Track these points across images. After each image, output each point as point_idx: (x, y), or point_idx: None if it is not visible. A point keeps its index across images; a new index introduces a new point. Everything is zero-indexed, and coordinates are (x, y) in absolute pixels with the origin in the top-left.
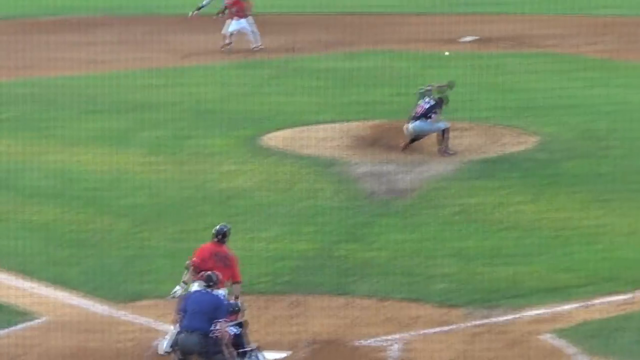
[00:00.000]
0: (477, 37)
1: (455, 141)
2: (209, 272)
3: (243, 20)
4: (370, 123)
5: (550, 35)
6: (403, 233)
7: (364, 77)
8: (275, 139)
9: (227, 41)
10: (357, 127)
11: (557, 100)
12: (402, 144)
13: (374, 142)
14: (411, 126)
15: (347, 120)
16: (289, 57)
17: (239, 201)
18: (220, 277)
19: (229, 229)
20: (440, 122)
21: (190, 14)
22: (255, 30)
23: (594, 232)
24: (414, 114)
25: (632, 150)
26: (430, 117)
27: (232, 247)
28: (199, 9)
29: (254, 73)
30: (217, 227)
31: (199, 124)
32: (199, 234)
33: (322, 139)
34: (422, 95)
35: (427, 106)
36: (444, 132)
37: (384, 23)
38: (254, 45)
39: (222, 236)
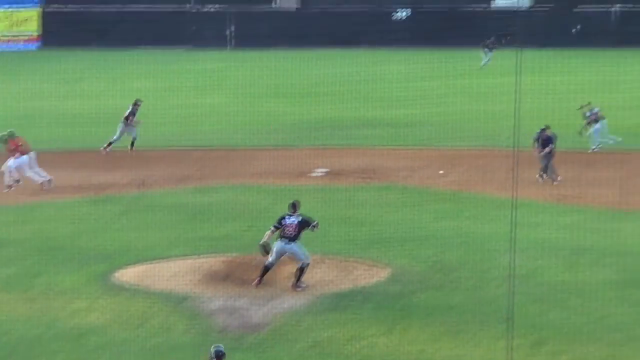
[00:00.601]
0: (327, 170)
1: (307, 275)
2: None
3: (24, 157)
4: (222, 258)
5: (400, 167)
6: None
7: (215, 211)
8: (127, 275)
9: (11, 182)
10: (209, 262)
11: (408, 233)
12: (256, 281)
13: (226, 277)
14: (285, 246)
15: (199, 256)
16: (139, 192)
17: (91, 338)
18: None
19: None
20: (306, 253)
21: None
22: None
23: None
24: (286, 234)
25: (483, 282)
26: (299, 239)
27: None
28: (110, 144)
29: (104, 209)
30: (214, 349)
31: (49, 261)
32: None
33: (174, 274)
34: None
35: (296, 221)
36: (303, 267)
37: (234, 157)
38: (43, 183)
39: (217, 358)
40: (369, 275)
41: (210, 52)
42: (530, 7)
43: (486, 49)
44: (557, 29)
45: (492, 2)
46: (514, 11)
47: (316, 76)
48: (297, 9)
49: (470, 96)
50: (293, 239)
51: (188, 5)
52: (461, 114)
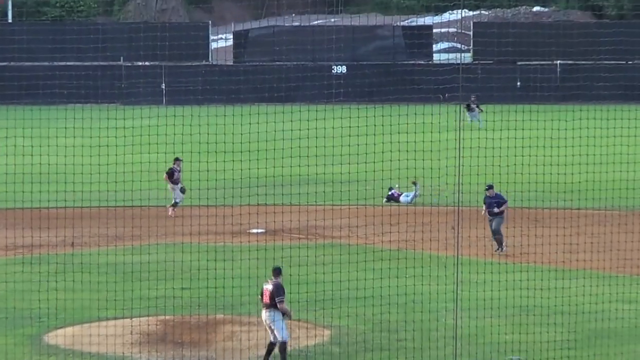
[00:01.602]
0: (265, 230)
1: (243, 335)
2: None
3: None
4: (158, 318)
5: (339, 225)
6: None
7: (150, 271)
8: (59, 337)
9: None
10: (145, 322)
11: (349, 292)
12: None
13: (163, 338)
14: (264, 314)
15: (134, 317)
16: (71, 252)
17: None
18: None
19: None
20: (284, 328)
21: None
22: None
23: None
24: (263, 302)
25: (426, 342)
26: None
27: None
28: (176, 204)
29: (35, 269)
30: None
31: None
32: None
33: (108, 336)
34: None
35: (271, 287)
36: (280, 345)
37: (168, 215)
38: None
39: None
40: (310, 336)
41: (144, 109)
42: (472, 62)
43: (469, 111)
44: (499, 84)
45: (433, 57)
46: (455, 67)
47: (252, 133)
48: (232, 64)
49: (410, 152)
50: (269, 306)
51: (120, 61)
52: (401, 170)
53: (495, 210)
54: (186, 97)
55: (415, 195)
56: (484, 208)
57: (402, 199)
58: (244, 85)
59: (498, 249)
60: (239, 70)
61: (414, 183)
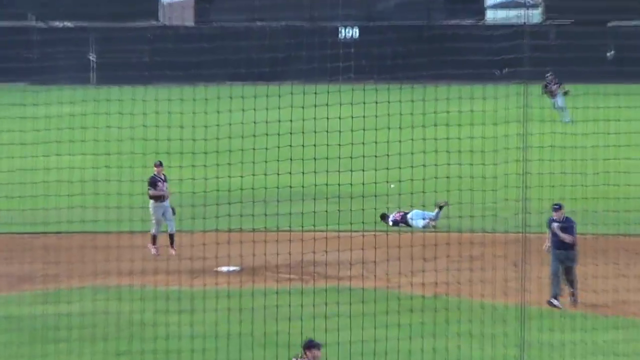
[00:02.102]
0: (239, 268)
1: None
2: None
3: None
4: None
5: (349, 261)
6: None
7: (72, 327)
8: None
9: None
10: None
11: (363, 358)
12: None
13: None
14: None
15: None
16: None
17: None
18: None
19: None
20: None
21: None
22: None
23: None
24: None
25: None
26: None
27: None
28: (154, 238)
29: None
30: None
31: None
32: None
33: None
34: None
35: None
36: None
37: (101, 246)
38: None
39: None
40: None
41: (64, 90)
42: (542, 21)
43: (552, 96)
44: (582, 53)
45: (485, 15)
46: (518, 29)
47: (221, 125)
48: (193, 25)
49: (451, 154)
50: None
51: (30, 21)
52: (439, 180)
53: (562, 235)
54: (125, 74)
55: (434, 219)
56: (548, 235)
57: (410, 220)
58: (209, 57)
59: (571, 299)
60: (203, 35)
61: (440, 207)
